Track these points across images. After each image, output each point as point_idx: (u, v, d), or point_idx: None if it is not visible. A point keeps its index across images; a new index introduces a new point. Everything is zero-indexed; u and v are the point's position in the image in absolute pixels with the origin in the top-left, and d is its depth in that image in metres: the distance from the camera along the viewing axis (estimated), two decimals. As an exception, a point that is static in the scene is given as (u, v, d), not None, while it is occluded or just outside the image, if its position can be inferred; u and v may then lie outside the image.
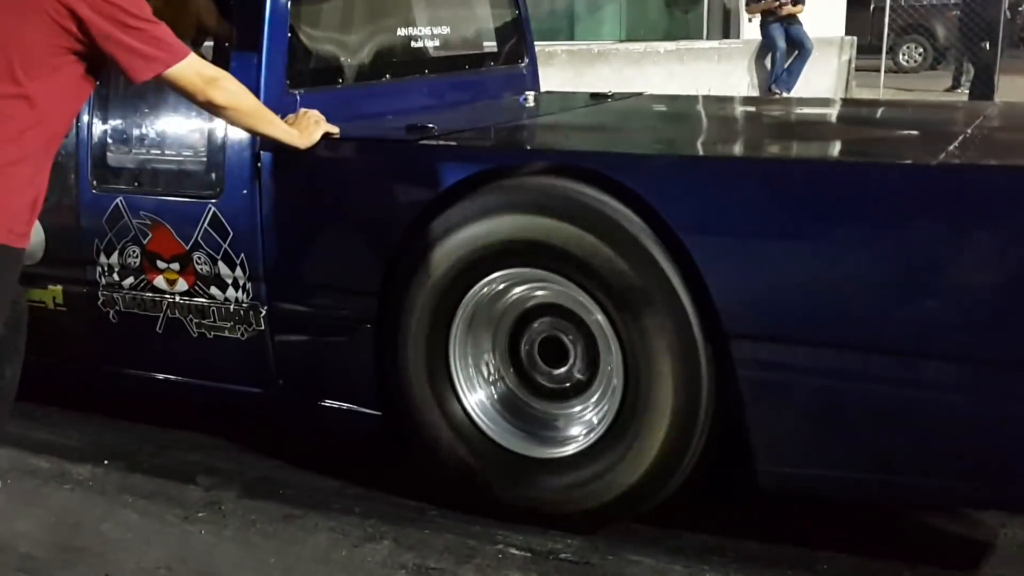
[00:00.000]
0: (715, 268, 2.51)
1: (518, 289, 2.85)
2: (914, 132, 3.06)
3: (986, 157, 2.62)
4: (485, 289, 2.81)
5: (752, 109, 4.49)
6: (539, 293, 2.84)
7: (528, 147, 3.24)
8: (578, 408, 2.86)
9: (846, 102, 6.25)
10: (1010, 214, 2.32)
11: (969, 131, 2.96)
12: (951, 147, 2.66)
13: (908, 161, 2.55)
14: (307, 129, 2.94)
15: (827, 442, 2.53)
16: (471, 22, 4.18)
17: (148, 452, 3.33)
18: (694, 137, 3.58)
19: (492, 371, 2.90)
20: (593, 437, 2.76)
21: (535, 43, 4.39)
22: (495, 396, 2.90)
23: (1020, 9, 13.52)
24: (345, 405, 3.07)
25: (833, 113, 4.31)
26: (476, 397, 2.88)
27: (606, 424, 2.74)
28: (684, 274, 2.54)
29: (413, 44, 3.76)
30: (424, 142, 2.94)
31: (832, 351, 2.46)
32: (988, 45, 11.55)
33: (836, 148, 3.17)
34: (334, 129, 2.98)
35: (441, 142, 2.93)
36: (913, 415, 2.43)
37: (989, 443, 2.39)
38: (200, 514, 2.95)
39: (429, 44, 3.83)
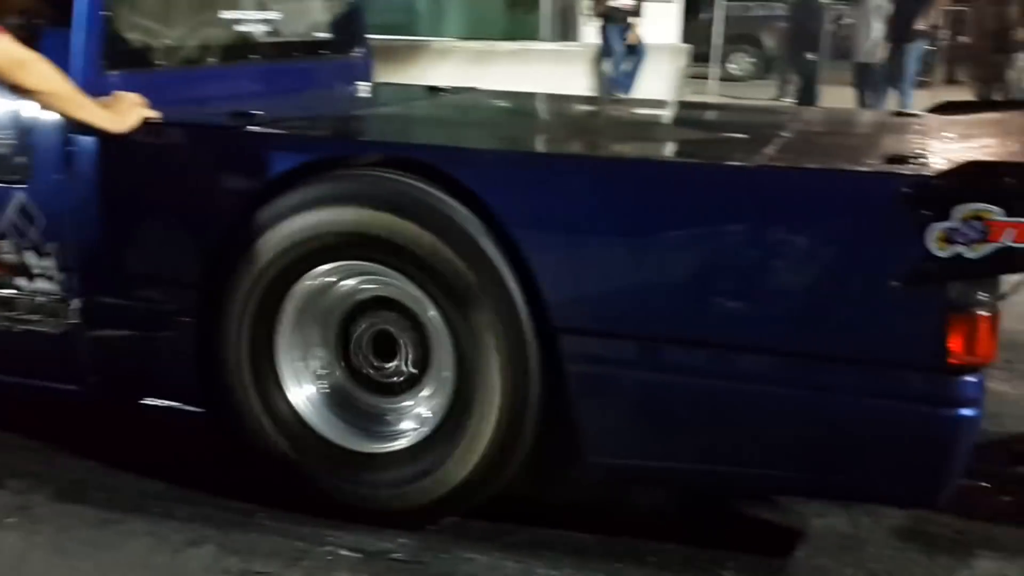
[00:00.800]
0: (545, 263, 2.50)
1: (349, 282, 2.77)
2: (739, 134, 3.12)
3: (798, 159, 2.67)
4: (314, 282, 2.72)
5: (586, 108, 4.52)
6: (370, 287, 2.77)
7: (359, 138, 3.16)
8: (408, 403, 2.80)
9: (678, 103, 6.38)
10: (818, 213, 2.38)
11: (787, 134, 3.03)
12: (767, 149, 2.72)
13: (725, 161, 2.58)
14: (122, 113, 2.79)
15: (653, 434, 2.54)
16: (302, 9, 4.07)
17: (-50, 455, 3.11)
18: (527, 133, 3.57)
19: (321, 365, 2.81)
20: (424, 432, 2.71)
21: (373, 36, 4.30)
22: (323, 391, 2.81)
23: (842, 22, 14.13)
24: (166, 403, 2.92)
25: (665, 114, 4.38)
26: (303, 392, 2.78)
27: (437, 419, 2.69)
28: (515, 269, 2.51)
29: (240, 28, 3.62)
30: (250, 129, 2.82)
31: (656, 345, 2.48)
32: (812, 56, 12.02)
33: (661, 148, 3.20)
34: (153, 114, 2.84)
35: (268, 130, 2.82)
36: (732, 407, 2.46)
37: (806, 434, 2.44)
38: (10, 519, 2.77)
39: (258, 29, 3.70)
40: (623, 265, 2.48)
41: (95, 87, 2.81)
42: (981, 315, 2.29)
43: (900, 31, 10.32)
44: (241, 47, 3.59)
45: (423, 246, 2.53)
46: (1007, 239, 2.20)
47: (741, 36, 16.33)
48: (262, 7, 3.74)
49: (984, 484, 3.01)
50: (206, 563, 2.59)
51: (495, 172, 2.62)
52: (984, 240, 2.22)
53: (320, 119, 3.19)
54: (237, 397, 2.76)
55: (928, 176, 2.28)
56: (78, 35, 2.86)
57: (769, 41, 16.55)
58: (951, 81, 14.71)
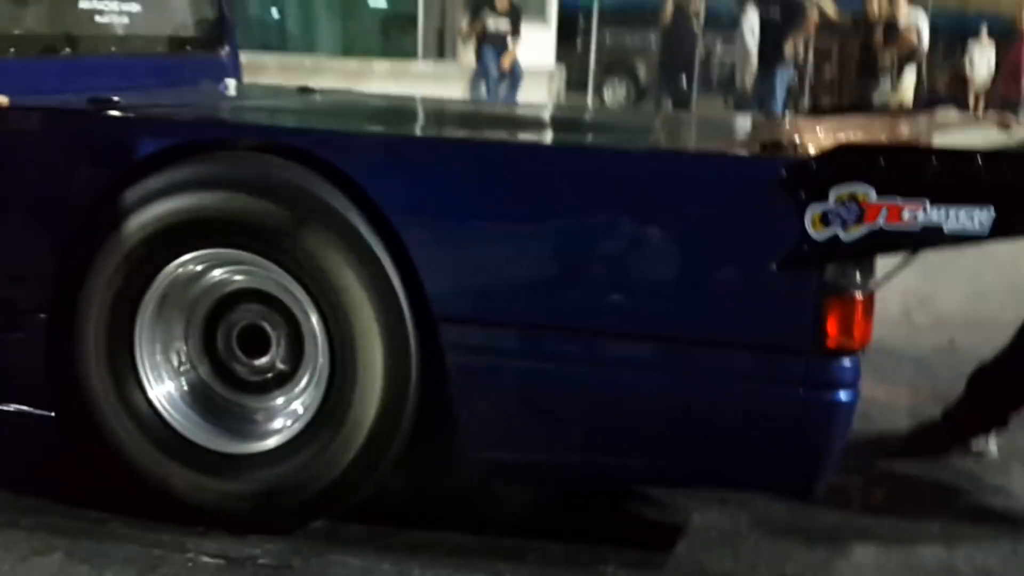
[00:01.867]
0: (424, 250, 2.41)
1: (217, 273, 2.63)
2: (611, 129, 3.10)
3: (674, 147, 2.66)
4: (179, 271, 2.57)
5: (463, 107, 4.46)
6: (239, 278, 2.63)
7: (227, 122, 3.03)
8: (279, 400, 2.66)
9: (555, 107, 6.41)
10: (697, 198, 2.35)
11: (658, 129, 3.03)
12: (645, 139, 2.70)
13: (601, 146, 2.54)
14: None
15: (534, 426, 2.47)
16: (165, 4, 3.91)
17: None
18: (405, 124, 3.48)
19: (184, 360, 2.66)
20: (296, 428, 2.58)
21: (241, 49, 4.16)
22: (185, 387, 2.65)
23: (713, 51, 14.53)
24: (14, 407, 2.73)
25: (538, 114, 4.36)
26: (163, 389, 2.62)
27: (310, 415, 2.56)
28: (394, 257, 2.42)
29: (98, 19, 3.46)
30: (108, 113, 2.67)
31: (535, 333, 2.42)
32: (685, 84, 12.28)
33: (537, 135, 3.15)
34: (2, 99, 2.66)
35: (128, 114, 2.67)
36: (610, 396, 2.41)
37: (684, 421, 2.40)
38: None
39: (116, 21, 3.54)
40: (499, 251, 2.42)
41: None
42: (857, 298, 2.28)
43: (769, 57, 10.61)
44: (99, 39, 3.43)
45: (293, 231, 2.42)
46: (881, 220, 2.21)
47: (616, 64, 16.58)
48: (122, -1, 3.59)
49: (857, 479, 3.03)
50: (52, 571, 2.41)
51: (372, 157, 2.52)
52: (860, 221, 2.21)
53: (183, 107, 3.05)
54: (92, 395, 2.58)
55: (805, 158, 2.28)
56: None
57: (643, 69, 16.83)
58: (816, 109, 15.18)
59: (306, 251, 2.43)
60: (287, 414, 2.64)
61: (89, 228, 2.54)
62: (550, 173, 2.43)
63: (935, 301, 5.03)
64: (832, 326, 2.27)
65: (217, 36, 3.99)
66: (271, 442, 2.61)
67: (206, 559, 2.48)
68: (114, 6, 3.53)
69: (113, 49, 3.46)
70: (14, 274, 2.66)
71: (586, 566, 2.52)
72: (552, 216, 2.39)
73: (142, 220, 2.49)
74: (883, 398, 3.64)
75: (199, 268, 2.60)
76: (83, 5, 3.41)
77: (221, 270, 2.63)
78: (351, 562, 2.50)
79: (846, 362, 2.31)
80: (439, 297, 2.41)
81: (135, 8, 3.63)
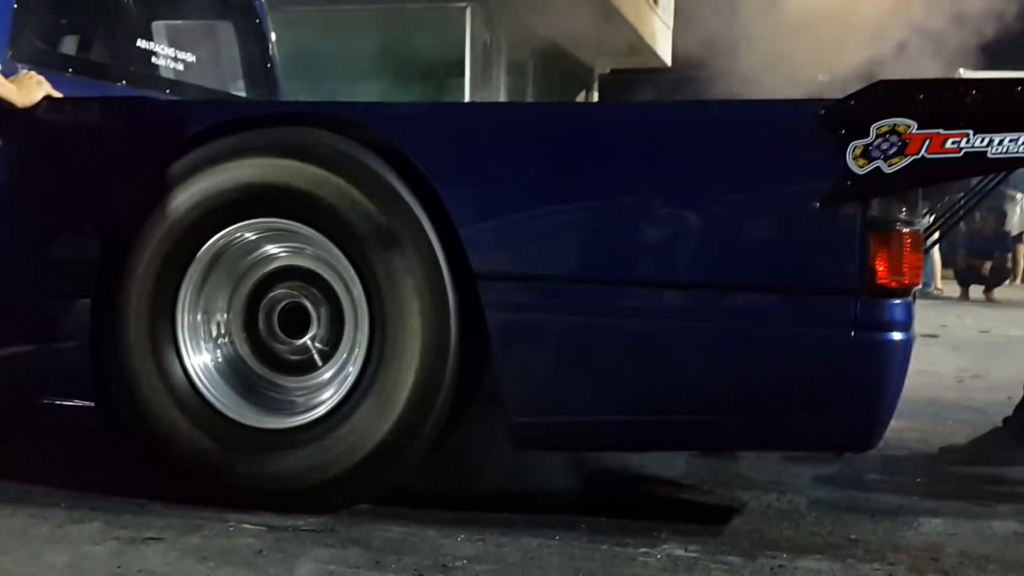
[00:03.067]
0: (463, 208, 2.43)
1: (264, 247, 2.65)
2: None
3: None
4: (222, 242, 2.60)
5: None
6: (284, 254, 2.66)
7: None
8: (319, 377, 2.63)
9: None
10: (741, 144, 2.36)
11: None
12: None
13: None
14: (28, 88, 2.72)
15: (578, 384, 2.43)
16: (217, 57, 4.08)
17: None
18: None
19: (223, 333, 2.65)
20: (333, 403, 2.53)
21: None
22: (223, 361, 2.63)
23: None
24: (58, 401, 2.72)
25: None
26: (201, 360, 2.61)
27: (347, 389, 2.52)
28: (432, 214, 2.44)
29: (153, 60, 3.61)
30: (157, 97, 2.76)
31: (578, 286, 2.40)
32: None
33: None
34: (56, 94, 2.77)
35: (174, 98, 2.76)
36: (657, 348, 2.38)
37: (732, 372, 2.35)
38: None
39: (170, 65, 3.69)
40: (542, 208, 2.43)
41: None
42: (904, 232, 2.27)
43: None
44: (153, 78, 3.57)
45: (337, 192, 2.45)
46: (923, 150, 2.21)
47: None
48: (177, 46, 3.75)
49: (921, 477, 2.94)
50: (91, 533, 2.36)
51: (411, 123, 2.57)
52: (902, 153, 2.22)
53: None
54: (133, 372, 2.57)
55: (843, 97, 2.30)
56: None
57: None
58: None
59: (344, 212, 2.45)
60: (325, 390, 2.61)
61: (139, 202, 2.59)
62: (592, 127, 2.47)
63: (991, 375, 5.00)
64: (879, 263, 2.25)
65: (265, 89, 4.14)
66: (308, 417, 2.57)
67: (247, 525, 2.42)
68: (170, 52, 3.70)
69: (168, 92, 3.60)
70: (63, 259, 2.70)
71: (638, 533, 2.42)
72: (593, 169, 2.41)
73: (191, 189, 2.54)
74: (943, 432, 3.55)
75: (247, 237, 2.62)
76: (141, 44, 3.57)
77: (268, 245, 2.65)
78: (394, 528, 2.43)
79: (896, 301, 2.27)
80: (478, 253, 2.41)
81: (189, 57, 3.80)
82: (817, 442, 2.44)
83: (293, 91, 4.49)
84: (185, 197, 2.54)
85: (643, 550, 2.32)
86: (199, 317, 2.62)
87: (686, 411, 2.40)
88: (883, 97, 2.25)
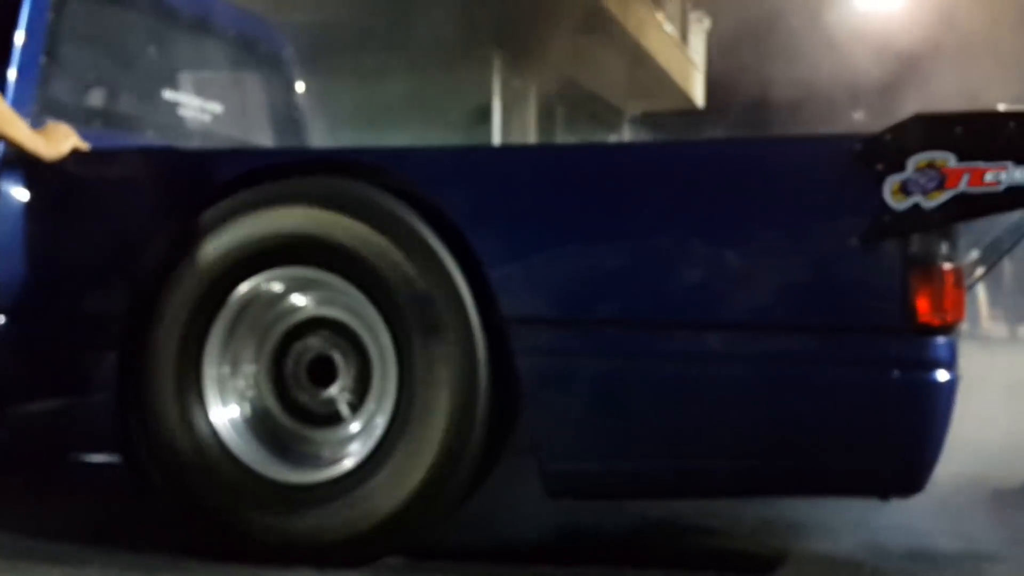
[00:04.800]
0: (494, 255, 2.39)
1: (292, 298, 2.62)
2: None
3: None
4: (252, 293, 2.57)
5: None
6: (311, 304, 2.63)
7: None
8: (347, 430, 2.58)
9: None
10: (776, 182, 2.32)
11: None
12: None
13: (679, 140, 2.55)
14: (56, 140, 2.72)
15: (614, 430, 2.36)
16: (244, 107, 4.08)
17: None
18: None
19: (250, 387, 2.61)
20: (362, 455, 2.48)
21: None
22: (251, 414, 2.59)
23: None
24: (84, 457, 2.69)
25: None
26: (228, 415, 2.56)
27: (376, 441, 2.47)
28: (461, 262, 2.40)
29: (180, 110, 3.62)
30: (184, 149, 2.75)
31: (611, 330, 2.35)
32: None
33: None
34: (84, 145, 2.76)
35: (205, 148, 2.75)
36: (695, 392, 2.32)
37: (773, 416, 2.29)
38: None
39: (197, 115, 3.70)
40: (572, 250, 2.39)
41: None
42: (945, 269, 2.20)
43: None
44: (178, 129, 3.57)
45: (362, 239, 2.42)
46: (963, 184, 2.15)
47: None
48: (207, 98, 3.76)
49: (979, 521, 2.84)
50: None
51: (439, 168, 2.54)
52: (941, 188, 2.16)
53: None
54: (158, 423, 2.54)
55: (879, 132, 2.24)
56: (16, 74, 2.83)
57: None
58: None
59: (369, 259, 2.42)
60: (354, 443, 2.56)
61: (169, 253, 2.57)
62: (625, 168, 2.43)
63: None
64: (920, 300, 2.18)
65: (292, 137, 4.13)
66: (336, 471, 2.52)
67: None
68: (196, 102, 3.70)
69: (194, 142, 3.59)
70: (90, 312, 2.68)
71: None
72: (630, 210, 2.36)
73: (221, 238, 2.51)
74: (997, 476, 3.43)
75: (275, 289, 2.59)
76: (167, 95, 3.58)
77: (296, 296, 2.62)
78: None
79: (939, 339, 2.21)
80: (509, 299, 2.36)
81: (216, 108, 3.80)
82: (861, 487, 2.34)
83: (321, 139, 4.50)
84: (213, 247, 2.52)
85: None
86: (228, 371, 2.58)
87: (726, 457, 2.33)
88: (920, 130, 2.20)
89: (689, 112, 14.98)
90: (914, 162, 2.18)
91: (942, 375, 2.21)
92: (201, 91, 3.76)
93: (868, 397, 2.23)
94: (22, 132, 2.64)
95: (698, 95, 15.22)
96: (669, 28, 13.68)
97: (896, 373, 2.20)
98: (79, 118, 3.06)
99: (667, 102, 14.91)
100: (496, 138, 10.35)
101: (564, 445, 2.38)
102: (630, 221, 2.36)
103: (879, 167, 2.19)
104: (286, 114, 4.17)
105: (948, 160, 2.16)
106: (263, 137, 4.09)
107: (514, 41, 10.54)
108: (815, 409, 2.26)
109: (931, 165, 2.17)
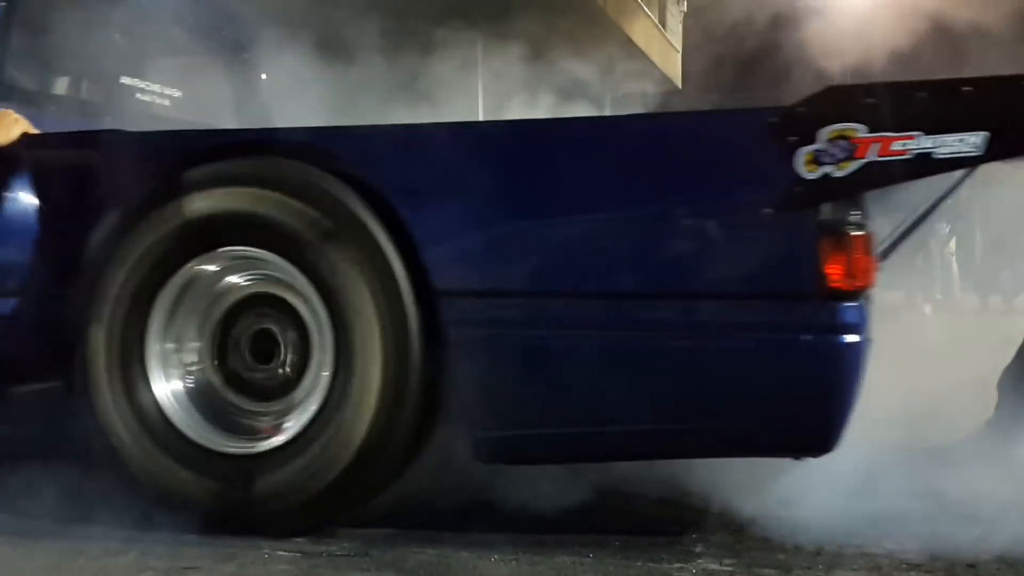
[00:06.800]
0: (424, 230, 2.47)
1: (231, 278, 2.70)
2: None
3: None
4: (192, 273, 2.65)
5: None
6: (250, 283, 2.71)
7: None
8: (285, 402, 2.66)
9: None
10: (693, 156, 2.40)
11: None
12: None
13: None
14: (5, 127, 2.79)
15: (542, 397, 2.45)
16: (207, 96, 4.15)
17: None
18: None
19: (195, 360, 2.70)
20: (300, 428, 2.56)
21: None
22: (192, 387, 2.67)
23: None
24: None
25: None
26: (170, 387, 2.65)
27: (314, 413, 2.54)
28: (392, 235, 2.47)
29: (140, 97, 3.69)
30: (131, 131, 2.82)
31: (534, 301, 2.43)
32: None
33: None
34: (33, 130, 2.83)
35: (145, 131, 2.83)
36: (615, 359, 2.40)
37: (693, 381, 2.38)
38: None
39: (158, 102, 3.77)
40: (497, 224, 2.47)
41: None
42: (854, 236, 2.28)
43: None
44: (142, 117, 3.63)
45: (294, 218, 2.50)
46: (872, 154, 2.23)
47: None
48: (167, 84, 3.82)
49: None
50: (127, 565, 2.38)
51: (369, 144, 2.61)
52: (851, 157, 2.24)
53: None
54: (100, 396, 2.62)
55: (793, 104, 2.32)
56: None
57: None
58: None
59: (303, 234, 2.50)
60: (295, 414, 2.62)
61: (114, 234, 2.64)
62: (543, 142, 2.50)
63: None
64: (830, 266, 2.26)
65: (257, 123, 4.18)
66: (276, 442, 2.59)
67: (281, 552, 2.43)
68: (155, 88, 3.77)
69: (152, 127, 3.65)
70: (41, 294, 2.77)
71: (672, 549, 2.41)
72: (549, 185, 2.45)
73: (157, 219, 2.59)
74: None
75: (213, 268, 2.67)
76: (126, 80, 3.64)
77: (235, 277, 2.69)
78: (428, 550, 2.43)
79: (849, 304, 2.28)
80: (439, 271, 2.44)
81: (175, 93, 3.87)
82: (775, 447, 2.42)
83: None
84: (152, 228, 2.59)
85: (678, 565, 2.32)
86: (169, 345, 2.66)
87: (648, 420, 2.41)
88: (832, 102, 2.28)
89: (669, 93, 15.06)
90: (826, 133, 2.25)
91: (851, 338, 2.28)
92: (159, 77, 3.82)
93: (781, 361, 2.31)
94: None
95: (676, 76, 15.30)
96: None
97: (808, 337, 2.28)
98: (34, 104, 3.14)
99: (646, 84, 15.00)
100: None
101: (492, 412, 2.46)
102: (548, 196, 2.44)
103: (792, 138, 2.26)
104: (250, 98, 4.24)
105: (858, 131, 2.23)
106: (227, 121, 4.14)
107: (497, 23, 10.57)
108: (731, 374, 2.34)
109: (842, 136, 2.24)
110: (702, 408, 2.38)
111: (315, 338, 2.58)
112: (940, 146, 2.20)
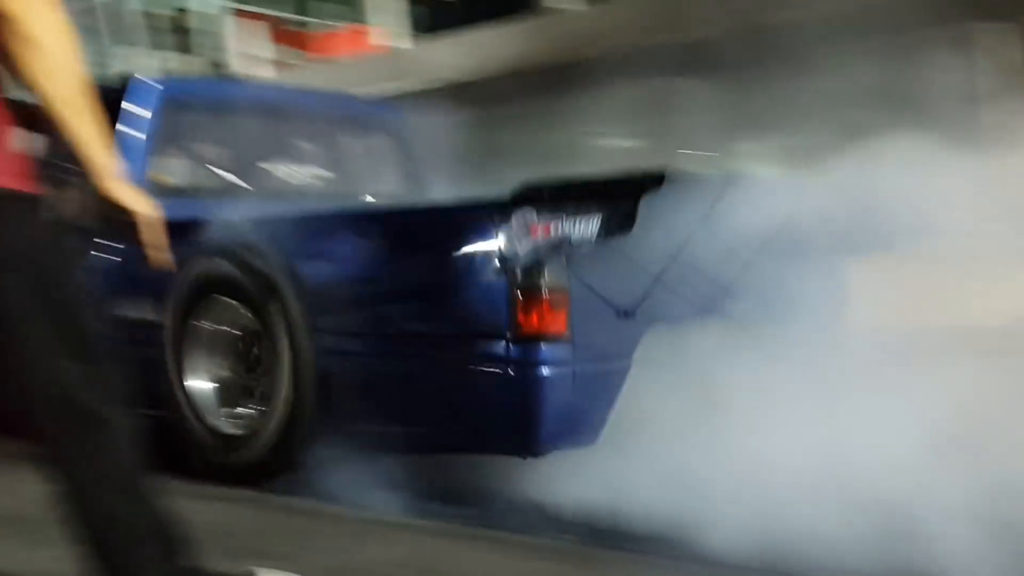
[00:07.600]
0: (308, 284, 3.57)
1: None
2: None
3: None
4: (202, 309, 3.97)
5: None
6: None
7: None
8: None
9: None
10: (437, 240, 3.35)
11: None
12: None
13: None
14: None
15: (363, 403, 3.46)
16: (359, 175, 5.25)
17: None
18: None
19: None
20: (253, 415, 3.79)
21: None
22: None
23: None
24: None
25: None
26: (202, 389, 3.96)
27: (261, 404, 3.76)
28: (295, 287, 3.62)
29: (286, 178, 4.99)
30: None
31: (356, 338, 3.49)
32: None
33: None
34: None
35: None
36: (389, 379, 3.40)
37: (437, 398, 3.34)
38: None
39: (306, 182, 5.01)
40: (340, 283, 3.53)
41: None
42: (543, 294, 3.06)
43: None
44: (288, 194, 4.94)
45: (242, 279, 3.73)
46: (539, 234, 3.03)
47: None
48: (315, 163, 5.13)
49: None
50: None
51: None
52: (529, 236, 3.05)
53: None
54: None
55: (500, 199, 3.16)
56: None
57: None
58: None
59: (254, 294, 3.72)
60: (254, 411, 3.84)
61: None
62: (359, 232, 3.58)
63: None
64: (523, 316, 3.07)
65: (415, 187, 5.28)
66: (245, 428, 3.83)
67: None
68: (302, 170, 5.05)
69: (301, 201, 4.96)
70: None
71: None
72: (365, 257, 3.49)
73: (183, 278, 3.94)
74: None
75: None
76: (269, 168, 4.98)
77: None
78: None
79: (542, 345, 3.09)
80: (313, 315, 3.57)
81: (325, 173, 5.13)
82: (499, 449, 3.27)
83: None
84: (180, 282, 3.94)
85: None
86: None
87: (414, 424, 3.40)
88: (522, 196, 3.09)
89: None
90: (517, 218, 3.07)
91: (545, 371, 3.09)
92: (309, 161, 5.10)
93: (497, 387, 3.16)
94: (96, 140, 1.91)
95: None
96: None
97: (512, 369, 3.11)
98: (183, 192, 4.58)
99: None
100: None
101: (348, 414, 3.51)
102: (366, 264, 3.46)
103: (499, 222, 3.11)
104: (405, 171, 5.41)
105: (533, 217, 3.04)
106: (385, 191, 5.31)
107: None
108: (466, 394, 3.25)
109: (525, 220, 3.05)
110: (446, 419, 3.33)
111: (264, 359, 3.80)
112: (574, 227, 2.97)
